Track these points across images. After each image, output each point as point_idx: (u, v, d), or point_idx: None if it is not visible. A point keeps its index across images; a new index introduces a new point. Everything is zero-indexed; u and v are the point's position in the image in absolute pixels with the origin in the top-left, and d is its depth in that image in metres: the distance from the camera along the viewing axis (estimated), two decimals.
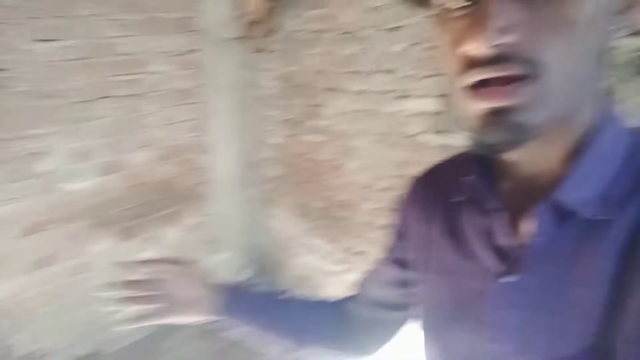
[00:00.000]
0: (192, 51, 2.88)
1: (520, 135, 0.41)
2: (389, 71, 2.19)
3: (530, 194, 0.49)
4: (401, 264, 0.70)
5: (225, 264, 3.12)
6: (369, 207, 2.40)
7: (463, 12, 0.42)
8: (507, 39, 0.38)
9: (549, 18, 0.38)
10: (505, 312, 0.49)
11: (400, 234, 0.69)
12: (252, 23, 2.84)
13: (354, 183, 2.48)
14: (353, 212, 2.50)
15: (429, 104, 2.02)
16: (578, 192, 0.45)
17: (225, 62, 3.02)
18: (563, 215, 0.45)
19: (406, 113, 2.14)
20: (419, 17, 2.00)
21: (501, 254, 0.51)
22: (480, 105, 0.42)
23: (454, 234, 0.57)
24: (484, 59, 0.39)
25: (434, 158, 2.06)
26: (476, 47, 0.39)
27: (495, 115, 0.41)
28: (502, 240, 0.51)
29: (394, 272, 0.72)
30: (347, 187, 2.54)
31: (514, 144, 0.42)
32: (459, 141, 1.81)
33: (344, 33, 2.38)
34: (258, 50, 2.95)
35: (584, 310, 0.43)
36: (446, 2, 0.43)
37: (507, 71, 0.39)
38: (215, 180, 3.08)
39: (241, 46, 3.02)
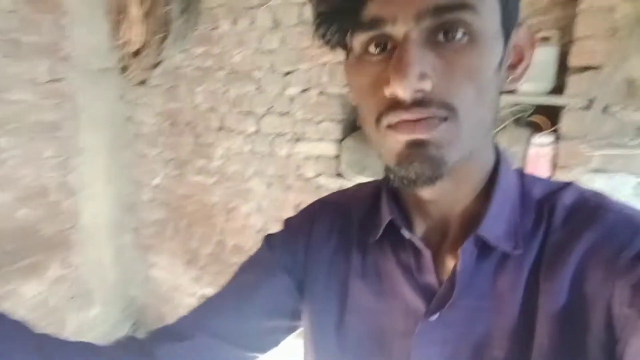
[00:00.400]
0: (59, 80, 2.66)
1: (437, 169, 0.45)
2: (283, 114, 2.25)
3: (446, 232, 0.54)
4: (290, 292, 0.63)
5: (97, 321, 2.83)
6: None
7: (380, 57, 0.45)
8: (426, 84, 0.42)
9: (460, 66, 0.43)
10: (429, 349, 0.51)
11: (295, 264, 0.63)
12: (133, 54, 2.73)
13: (248, 226, 2.46)
14: (247, 257, 2.47)
15: (326, 148, 2.12)
16: (496, 229, 0.50)
17: (99, 94, 2.84)
18: (483, 250, 0.50)
19: (302, 156, 2.21)
20: (313, 63, 2.11)
21: (424, 292, 0.53)
22: (401, 138, 0.45)
23: (372, 273, 0.57)
24: (406, 102, 0.43)
25: None
26: (399, 92, 0.42)
27: (415, 147, 0.45)
28: (425, 278, 0.53)
29: (280, 298, 0.63)
30: (240, 231, 2.50)
31: (431, 178, 0.45)
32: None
33: (235, 73, 2.41)
34: (138, 84, 2.83)
35: (501, 337, 0.48)
36: (364, 46, 0.46)
37: (427, 114, 0.43)
38: (85, 226, 2.83)
39: (118, 78, 2.87)
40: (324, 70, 2.09)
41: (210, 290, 2.67)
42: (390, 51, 0.44)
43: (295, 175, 2.25)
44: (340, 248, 0.61)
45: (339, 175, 2.09)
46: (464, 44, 0.43)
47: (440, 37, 0.43)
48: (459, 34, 0.43)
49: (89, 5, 2.73)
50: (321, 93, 2.11)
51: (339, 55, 1.79)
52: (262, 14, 2.26)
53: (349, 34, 0.47)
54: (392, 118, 0.44)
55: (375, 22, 0.43)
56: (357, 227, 0.61)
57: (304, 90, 2.17)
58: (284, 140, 2.27)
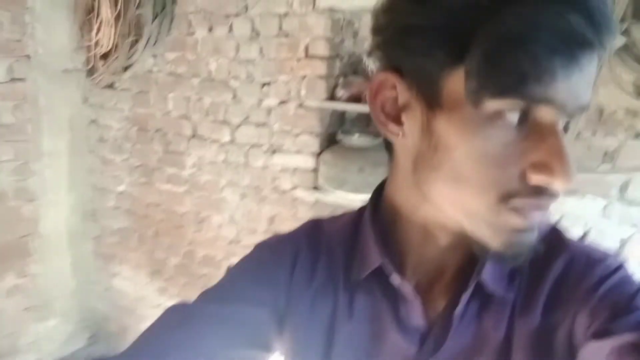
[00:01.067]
0: (19, 80, 2.59)
1: (531, 253, 0.47)
2: (260, 124, 2.28)
3: (440, 275, 0.55)
4: (267, 325, 0.59)
5: (54, 333, 2.75)
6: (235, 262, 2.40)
7: (518, 128, 0.43)
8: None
9: None
10: None
11: (275, 299, 0.60)
12: (101, 56, 2.68)
13: (220, 237, 2.47)
14: (217, 268, 2.47)
15: (304, 160, 2.16)
16: (490, 273, 0.52)
17: (62, 96, 2.78)
18: (478, 296, 0.52)
19: (279, 168, 2.24)
20: (292, 75, 2.15)
21: (413, 334, 0.54)
22: (522, 223, 0.45)
23: (359, 314, 0.57)
24: (552, 193, 0.44)
25: (307, 214, 2.17)
26: (562, 187, 0.43)
27: (527, 233, 0.46)
28: (414, 321, 0.54)
29: (256, 330, 0.59)
30: (211, 241, 2.51)
31: (525, 259, 0.48)
32: (333, 198, 1.95)
33: (211, 80, 2.42)
34: (105, 87, 2.78)
35: None
36: (503, 111, 0.42)
37: (555, 201, 0.45)
38: (44, 233, 2.75)
39: (83, 80, 2.82)
40: (303, 83, 2.14)
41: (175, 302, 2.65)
42: (532, 128, 0.43)
43: (271, 187, 2.28)
44: (325, 286, 0.60)
45: (316, 188, 2.13)
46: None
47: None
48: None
49: (54, 3, 2.68)
50: (300, 106, 2.16)
51: (318, 69, 1.82)
52: (240, 23, 2.28)
53: (477, 88, 0.42)
54: (527, 203, 0.44)
55: (545, 100, 0.41)
56: (343, 265, 0.60)
57: (282, 102, 2.21)
58: (260, 152, 2.30)
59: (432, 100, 0.45)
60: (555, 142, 0.42)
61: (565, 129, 0.45)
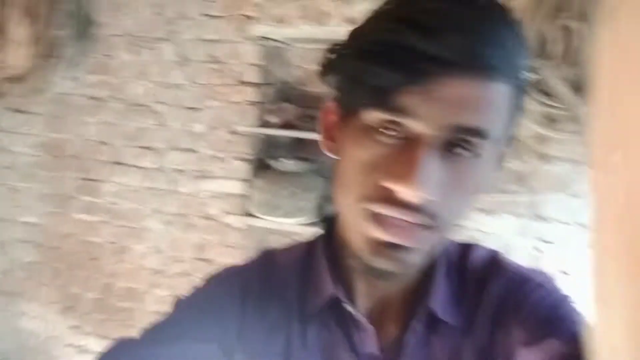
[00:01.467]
0: None
1: (404, 269, 0.49)
2: (188, 150, 2.28)
3: (389, 303, 0.58)
4: None
5: None
6: (160, 294, 2.35)
7: (391, 141, 0.46)
8: (433, 196, 0.44)
9: (461, 183, 0.46)
10: None
11: (225, 335, 0.59)
12: (12, 79, 2.56)
13: (142, 268, 2.40)
14: (140, 302, 2.40)
15: (235, 186, 2.18)
16: (439, 300, 0.55)
17: None
18: (427, 322, 0.55)
19: (208, 194, 2.25)
20: (223, 101, 2.19)
21: None
22: (380, 235, 0.47)
23: (313, 346, 0.58)
24: (403, 203, 0.45)
25: (238, 241, 2.19)
26: (410, 198, 0.44)
27: (391, 249, 0.47)
28: (367, 349, 0.56)
29: None
30: (132, 273, 2.43)
31: (395, 275, 0.50)
32: (264, 224, 1.99)
33: (135, 105, 2.39)
34: (15, 111, 2.65)
35: None
36: (378, 123, 0.46)
37: (417, 220, 0.46)
38: None
39: None
40: (235, 109, 2.18)
41: (92, 341, 2.52)
42: (403, 143, 0.45)
43: (200, 214, 2.27)
44: (279, 318, 0.60)
45: (247, 214, 2.15)
46: (470, 161, 0.46)
47: (451, 150, 0.45)
48: (469, 153, 0.46)
49: None
50: (231, 131, 2.19)
51: (250, 95, 1.90)
52: (168, 48, 2.30)
53: (361, 101, 0.46)
54: (381, 210, 0.46)
55: (404, 112, 0.43)
56: (297, 295, 0.60)
57: (212, 128, 2.23)
58: (187, 178, 2.29)
59: (345, 118, 0.51)
60: (411, 154, 0.44)
61: (461, 151, 0.46)
